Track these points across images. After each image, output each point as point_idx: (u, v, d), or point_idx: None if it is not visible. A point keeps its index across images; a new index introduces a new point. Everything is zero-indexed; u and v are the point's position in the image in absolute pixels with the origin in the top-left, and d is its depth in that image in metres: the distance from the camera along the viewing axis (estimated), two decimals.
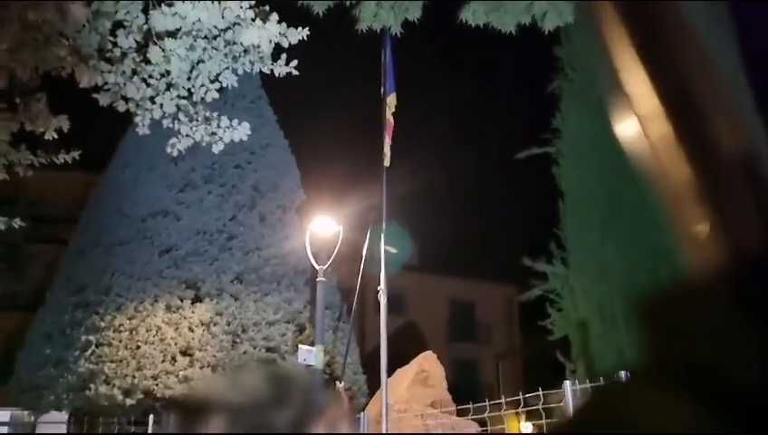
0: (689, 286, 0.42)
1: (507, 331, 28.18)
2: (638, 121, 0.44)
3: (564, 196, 11.95)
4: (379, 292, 8.58)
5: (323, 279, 9.27)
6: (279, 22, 4.68)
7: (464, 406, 10.07)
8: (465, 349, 26.32)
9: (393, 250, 9.42)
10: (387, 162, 8.85)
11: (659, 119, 0.43)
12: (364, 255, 9.30)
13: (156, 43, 4.65)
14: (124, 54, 4.82)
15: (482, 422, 8.18)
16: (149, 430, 9.10)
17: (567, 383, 5.26)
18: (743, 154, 0.41)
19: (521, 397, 6.00)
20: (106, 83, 4.94)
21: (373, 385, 11.08)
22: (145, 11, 4.62)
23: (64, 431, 11.94)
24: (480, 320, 28.25)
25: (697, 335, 0.40)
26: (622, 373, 4.79)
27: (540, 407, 5.74)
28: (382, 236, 8.98)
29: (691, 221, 0.42)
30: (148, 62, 4.86)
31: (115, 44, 4.76)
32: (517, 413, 7.81)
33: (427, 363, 11.30)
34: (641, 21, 0.45)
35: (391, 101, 9.01)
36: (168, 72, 4.97)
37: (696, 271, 0.42)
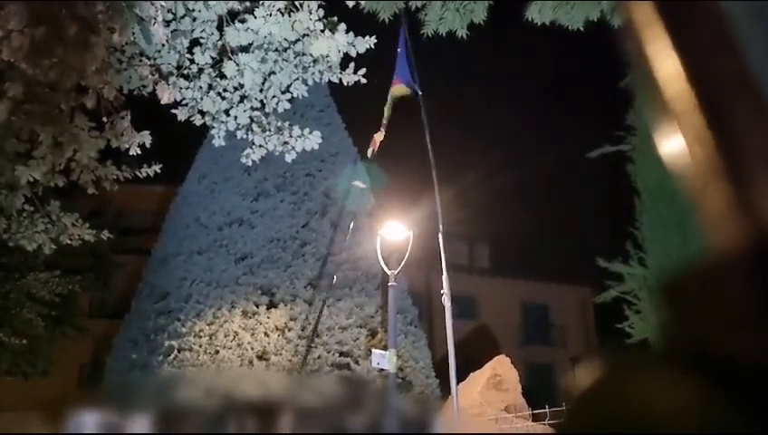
0: (709, 267, 0.42)
1: (583, 334, 27.47)
2: (666, 105, 0.45)
3: (640, 194, 11.58)
4: (442, 295, 8.57)
5: (395, 284, 9.33)
6: (347, 31, 4.78)
7: (539, 410, 9.88)
8: (538, 352, 25.83)
9: (362, 185, 9.44)
10: (369, 154, 8.79)
11: (686, 100, 0.44)
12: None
13: (230, 58, 4.84)
14: (201, 70, 5.03)
15: None
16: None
17: None
18: (765, 134, 0.42)
19: None
20: (184, 99, 5.18)
21: (446, 389, 11.05)
22: (219, 28, 4.82)
23: (149, 432, 12.45)
24: (554, 323, 27.66)
25: (716, 319, 0.40)
26: None
27: None
28: (440, 236, 8.98)
29: (713, 200, 0.42)
30: (222, 76, 5.05)
31: (192, 61, 4.99)
32: None
33: (501, 367, 11.18)
34: (676, 14, 0.47)
35: (399, 90, 8.70)
36: (242, 85, 5.15)
37: (717, 252, 0.42)
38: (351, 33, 4.86)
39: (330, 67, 5.14)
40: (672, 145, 0.46)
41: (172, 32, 4.68)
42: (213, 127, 5.40)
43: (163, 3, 4.48)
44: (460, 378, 9.25)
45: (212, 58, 4.99)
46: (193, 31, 4.83)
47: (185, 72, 5.03)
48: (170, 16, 4.72)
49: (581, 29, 5.32)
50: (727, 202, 0.42)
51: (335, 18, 4.76)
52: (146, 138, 5.37)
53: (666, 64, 0.46)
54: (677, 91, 0.45)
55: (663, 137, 0.47)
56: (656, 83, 0.47)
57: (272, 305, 11.48)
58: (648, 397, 0.39)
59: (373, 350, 9.48)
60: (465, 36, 5.58)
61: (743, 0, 0.48)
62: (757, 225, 0.40)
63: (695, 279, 0.43)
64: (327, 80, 5.30)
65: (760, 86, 0.44)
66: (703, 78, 0.45)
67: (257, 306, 11.38)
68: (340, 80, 5.22)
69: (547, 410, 7.01)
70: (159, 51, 4.83)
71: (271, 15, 4.66)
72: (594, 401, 0.42)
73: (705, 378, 0.37)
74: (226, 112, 5.33)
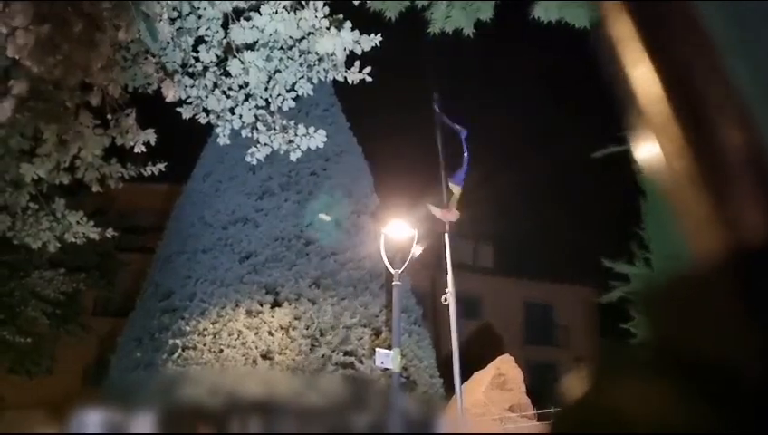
0: (692, 276, 0.42)
1: (586, 334, 27.41)
2: (642, 112, 0.45)
3: (645, 194, 11.53)
4: (445, 296, 8.58)
5: (399, 283, 9.32)
6: (352, 29, 4.76)
7: (544, 410, 9.85)
8: (542, 352, 25.79)
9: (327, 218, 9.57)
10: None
11: (661, 109, 0.43)
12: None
13: (235, 56, 4.83)
14: (206, 68, 5.02)
15: None
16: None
17: None
18: (746, 145, 0.41)
19: None
20: (189, 97, 5.17)
21: (451, 388, 11.03)
22: (224, 26, 4.81)
23: (153, 431, 12.47)
24: (558, 322, 27.63)
25: (697, 325, 0.40)
26: None
27: None
28: (446, 238, 8.98)
29: (693, 210, 0.42)
30: (227, 74, 5.04)
31: (197, 59, 4.98)
32: None
33: (505, 367, 11.16)
34: (649, 16, 0.45)
35: (456, 191, 9.16)
36: (247, 84, 5.14)
37: (699, 261, 0.42)
38: (357, 31, 4.84)
39: (335, 65, 5.12)
40: (649, 154, 0.45)
41: (177, 29, 4.67)
42: (218, 125, 5.39)
43: (168, 0, 4.48)
44: (464, 377, 9.23)
45: (217, 56, 4.98)
46: (198, 29, 4.82)
47: (190, 69, 5.02)
48: (175, 14, 4.71)
49: (588, 27, 5.28)
50: (707, 212, 0.41)
51: (341, 16, 4.74)
52: (151, 136, 5.36)
53: (639, 68, 0.44)
54: (653, 99, 0.43)
55: (640, 145, 0.46)
56: (630, 90, 0.45)
57: (276, 304, 11.48)
58: (629, 401, 0.39)
59: (377, 349, 9.46)
60: (471, 35, 5.55)
61: (722, 1, 0.46)
62: (737, 234, 0.40)
63: (678, 286, 0.43)
64: (332, 78, 5.29)
65: (740, 92, 0.42)
66: (680, 85, 0.43)
67: (261, 305, 11.38)
68: (346, 78, 5.20)
69: (553, 410, 6.97)
70: (164, 48, 4.83)
71: (276, 13, 4.64)
72: (577, 406, 0.42)
73: (686, 381, 0.37)
74: (231, 111, 5.32)
